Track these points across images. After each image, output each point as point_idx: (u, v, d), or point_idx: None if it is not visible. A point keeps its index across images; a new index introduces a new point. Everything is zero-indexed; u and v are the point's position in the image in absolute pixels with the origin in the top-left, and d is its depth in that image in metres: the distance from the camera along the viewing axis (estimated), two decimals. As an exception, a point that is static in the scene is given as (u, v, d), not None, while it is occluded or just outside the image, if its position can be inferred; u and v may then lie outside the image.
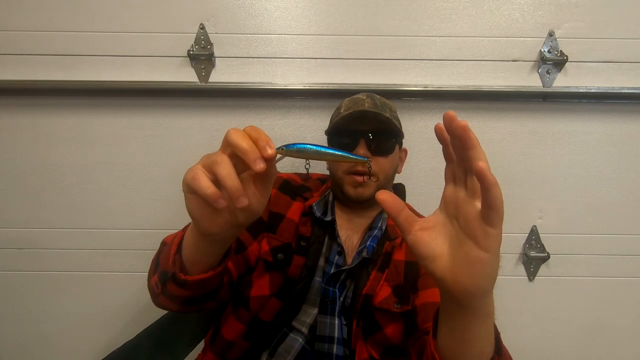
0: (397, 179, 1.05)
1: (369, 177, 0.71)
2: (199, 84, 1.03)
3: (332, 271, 0.73)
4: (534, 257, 1.11)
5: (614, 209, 1.11)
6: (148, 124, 1.06)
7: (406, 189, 1.03)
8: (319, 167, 1.01)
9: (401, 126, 0.79)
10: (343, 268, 0.72)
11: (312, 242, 0.75)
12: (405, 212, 0.39)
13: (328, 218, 0.76)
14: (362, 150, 0.72)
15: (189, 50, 1.00)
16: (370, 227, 0.78)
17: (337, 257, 0.75)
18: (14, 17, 0.99)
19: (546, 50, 1.02)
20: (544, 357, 1.18)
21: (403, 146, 0.83)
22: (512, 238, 1.12)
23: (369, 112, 0.71)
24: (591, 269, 1.13)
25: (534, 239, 1.12)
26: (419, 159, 1.09)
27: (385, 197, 0.39)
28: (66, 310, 1.14)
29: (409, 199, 1.02)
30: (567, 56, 1.01)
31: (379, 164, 0.74)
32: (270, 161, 0.36)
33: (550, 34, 1.03)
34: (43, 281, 1.12)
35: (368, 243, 0.73)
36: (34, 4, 0.99)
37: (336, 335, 0.71)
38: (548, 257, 1.10)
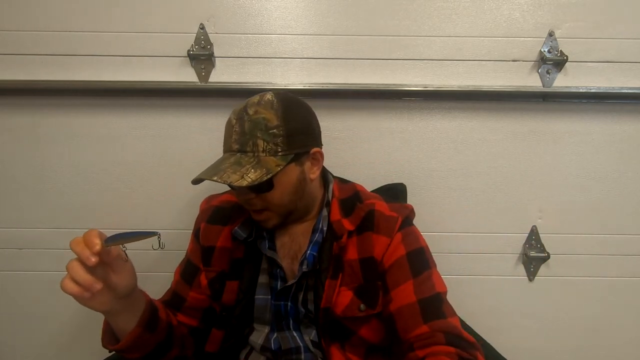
0: (397, 178, 1.05)
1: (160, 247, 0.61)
2: (199, 84, 1.03)
3: (278, 285, 0.71)
4: (534, 257, 1.11)
5: (614, 209, 1.11)
6: (148, 124, 1.06)
7: (406, 189, 1.03)
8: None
9: (292, 138, 0.64)
10: (288, 284, 0.70)
11: (246, 262, 0.72)
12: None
13: (250, 238, 0.72)
14: (240, 195, 0.66)
15: (189, 50, 1.00)
16: (314, 231, 0.72)
17: (278, 270, 0.71)
18: (14, 17, 0.99)
19: (546, 50, 1.02)
20: (544, 357, 1.18)
21: (314, 149, 0.69)
22: (512, 238, 1.12)
23: (222, 182, 0.60)
24: (591, 269, 1.13)
25: (534, 239, 1.12)
26: (419, 159, 1.09)
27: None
28: (66, 310, 1.14)
29: (409, 199, 1.02)
30: (567, 56, 1.01)
31: (265, 199, 0.65)
32: (100, 254, 0.49)
33: (550, 34, 1.03)
34: (43, 281, 1.12)
35: (308, 252, 0.69)
36: (34, 4, 0.99)
37: (300, 344, 0.70)
38: (548, 257, 1.10)
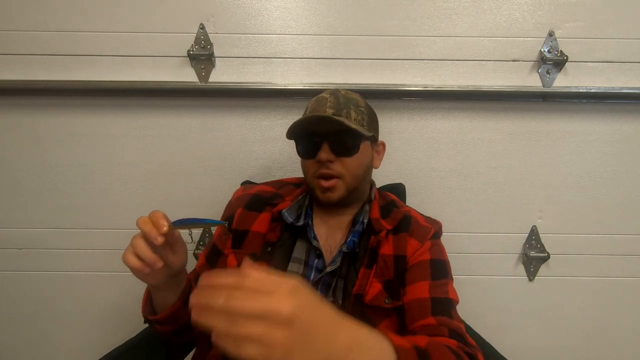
0: (397, 178, 1.06)
1: (227, 235, 0.69)
2: (199, 84, 1.03)
3: (312, 276, 0.72)
4: (534, 257, 1.11)
5: (614, 209, 1.11)
6: (148, 124, 1.06)
7: (406, 188, 1.03)
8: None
9: (373, 120, 0.77)
10: (325, 271, 0.71)
11: (278, 246, 0.74)
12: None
13: (300, 223, 0.75)
14: (324, 153, 0.70)
15: (189, 50, 1.00)
16: (354, 223, 0.76)
17: (316, 260, 0.73)
18: (14, 17, 1.00)
19: (546, 50, 1.03)
20: (544, 357, 1.18)
21: (380, 140, 0.81)
22: (512, 238, 1.12)
23: (324, 117, 0.69)
24: (591, 269, 1.13)
25: (534, 239, 1.12)
26: (419, 159, 1.09)
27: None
28: (66, 310, 1.14)
29: (409, 199, 1.02)
30: (567, 56, 1.01)
31: (344, 164, 0.72)
32: (166, 235, 0.53)
33: (550, 34, 1.03)
34: (43, 281, 1.12)
35: (349, 239, 0.72)
36: (34, 4, 0.99)
37: None
38: (548, 257, 1.10)
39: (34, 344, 1.16)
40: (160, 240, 0.52)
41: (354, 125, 0.69)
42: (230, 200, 0.84)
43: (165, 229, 0.52)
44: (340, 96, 0.74)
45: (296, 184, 0.85)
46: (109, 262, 1.11)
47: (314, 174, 0.73)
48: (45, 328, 1.15)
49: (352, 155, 0.72)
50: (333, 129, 0.70)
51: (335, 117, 0.68)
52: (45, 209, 1.09)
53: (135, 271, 0.54)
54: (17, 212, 1.09)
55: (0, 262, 1.11)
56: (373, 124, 0.77)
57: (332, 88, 0.77)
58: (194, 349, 0.79)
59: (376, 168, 0.80)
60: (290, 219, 0.74)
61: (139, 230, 0.55)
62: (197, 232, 1.09)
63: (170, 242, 0.57)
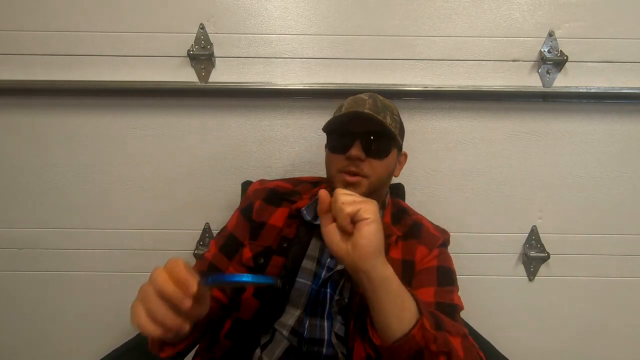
0: (397, 178, 1.05)
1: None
2: (199, 84, 1.03)
3: (323, 274, 0.73)
4: (534, 257, 1.11)
5: (614, 209, 1.11)
6: (148, 124, 1.06)
7: (406, 188, 1.03)
8: (315, 171, 1.01)
9: (402, 130, 0.79)
10: (335, 270, 0.72)
11: (294, 243, 0.75)
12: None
13: (317, 222, 0.74)
14: (355, 151, 0.70)
15: (189, 50, 1.00)
16: None
17: (329, 259, 0.74)
18: (14, 17, 1.00)
19: (546, 50, 1.03)
20: (544, 357, 1.18)
21: (403, 150, 0.83)
22: (512, 238, 1.12)
23: (365, 114, 0.70)
24: (591, 269, 1.13)
25: (534, 239, 1.12)
26: (418, 159, 1.09)
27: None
28: (66, 310, 1.14)
29: (408, 199, 1.02)
30: (567, 56, 1.01)
31: (373, 166, 0.72)
32: (194, 296, 0.42)
33: (550, 34, 1.03)
34: (43, 281, 1.12)
35: None
36: (34, 4, 0.99)
37: (326, 337, 0.71)
38: (548, 257, 1.10)
39: (34, 344, 1.16)
40: (188, 304, 0.41)
41: (392, 128, 0.71)
42: (247, 193, 0.85)
43: (194, 289, 0.41)
44: (378, 100, 0.75)
45: (312, 182, 0.86)
46: (109, 262, 1.11)
47: (339, 169, 0.73)
48: (45, 328, 1.15)
49: (382, 158, 0.73)
50: (370, 129, 0.71)
51: (376, 115, 0.70)
52: (45, 209, 1.09)
53: (154, 337, 0.42)
54: (17, 212, 1.09)
55: (0, 262, 1.11)
56: (402, 134, 0.79)
57: (366, 93, 0.78)
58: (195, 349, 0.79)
59: (396, 177, 0.82)
60: (308, 217, 0.75)
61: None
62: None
63: (197, 296, 0.45)
